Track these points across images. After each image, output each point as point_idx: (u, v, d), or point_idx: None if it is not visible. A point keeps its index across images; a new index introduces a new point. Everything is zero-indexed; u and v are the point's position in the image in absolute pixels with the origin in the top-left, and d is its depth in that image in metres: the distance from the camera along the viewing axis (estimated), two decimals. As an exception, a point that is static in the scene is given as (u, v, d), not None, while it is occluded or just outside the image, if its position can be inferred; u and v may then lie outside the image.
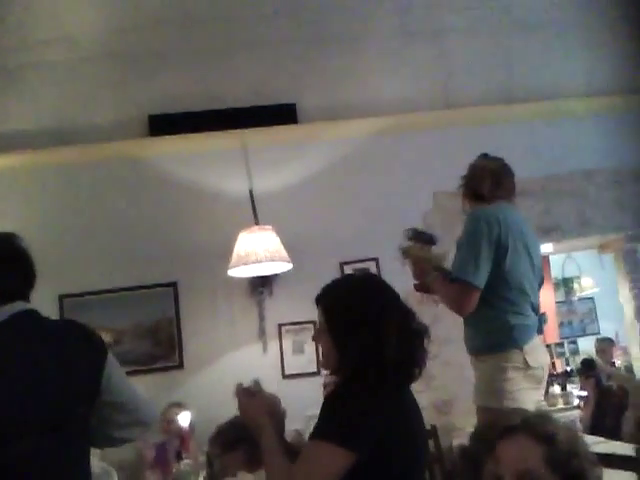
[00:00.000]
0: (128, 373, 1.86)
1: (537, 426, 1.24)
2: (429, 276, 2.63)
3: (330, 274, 4.26)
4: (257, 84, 4.65)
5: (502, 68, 4.83)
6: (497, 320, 2.48)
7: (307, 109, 4.65)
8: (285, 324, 4.32)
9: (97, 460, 2.53)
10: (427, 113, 4.68)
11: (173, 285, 4.33)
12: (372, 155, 4.60)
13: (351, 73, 4.75)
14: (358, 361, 1.57)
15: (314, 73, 4.72)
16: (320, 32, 4.74)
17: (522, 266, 2.53)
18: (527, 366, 2.43)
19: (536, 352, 2.49)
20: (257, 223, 4.25)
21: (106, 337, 4.12)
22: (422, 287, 2.71)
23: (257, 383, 1.76)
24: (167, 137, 4.49)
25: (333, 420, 1.53)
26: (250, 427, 1.69)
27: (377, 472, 1.51)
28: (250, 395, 1.72)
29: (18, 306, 1.63)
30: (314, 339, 1.75)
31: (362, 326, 1.59)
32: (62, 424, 1.56)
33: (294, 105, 4.64)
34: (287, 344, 4.30)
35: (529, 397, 2.43)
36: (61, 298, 4.17)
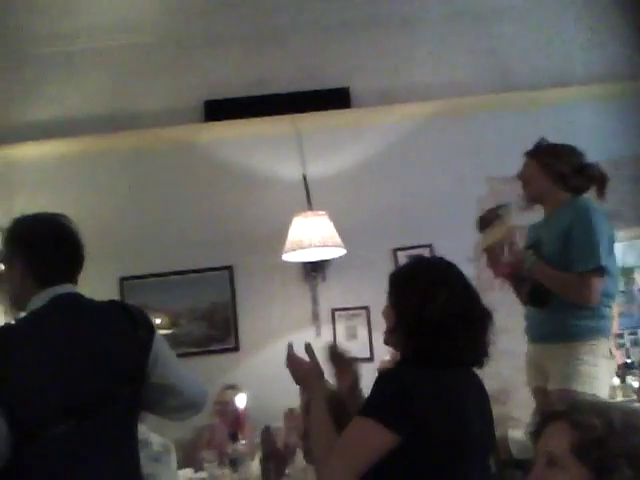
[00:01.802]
0: (184, 355, 1.88)
1: (577, 413, 1.23)
2: (527, 258, 2.54)
3: (383, 261, 4.33)
4: (311, 68, 4.64)
5: (557, 51, 4.68)
6: (592, 308, 2.49)
7: (360, 93, 4.62)
8: (338, 309, 4.34)
9: (157, 437, 2.60)
10: (481, 97, 4.57)
11: (229, 269, 4.40)
12: (425, 139, 4.54)
13: (404, 56, 4.67)
14: (416, 340, 1.59)
15: (367, 56, 4.67)
16: (373, 15, 4.68)
17: (614, 258, 2.56)
18: (611, 356, 2.50)
19: (612, 343, 2.54)
20: (311, 208, 4.26)
21: (164, 319, 4.23)
22: (511, 269, 2.57)
23: (309, 346, 1.79)
24: (222, 122, 4.53)
25: (379, 397, 1.54)
26: (301, 388, 1.75)
27: (419, 455, 1.51)
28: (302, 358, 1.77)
29: (60, 289, 1.62)
30: (383, 316, 1.75)
31: (426, 304, 1.59)
32: (104, 405, 1.57)
33: (347, 89, 4.61)
34: (340, 329, 4.32)
35: (607, 386, 2.51)
36: (121, 280, 4.29)
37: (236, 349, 4.33)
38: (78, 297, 1.67)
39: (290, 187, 4.43)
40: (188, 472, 3.12)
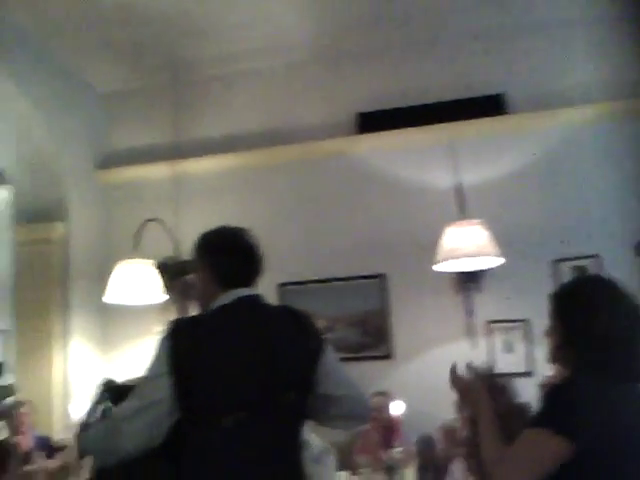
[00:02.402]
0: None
1: None
2: None
3: (542, 271, 4.16)
4: (464, 76, 4.59)
5: None
6: None
7: (516, 99, 4.49)
8: (494, 321, 4.23)
9: (317, 439, 2.68)
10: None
11: (382, 277, 4.45)
12: (584, 145, 4.33)
13: (559, 60, 4.49)
14: (585, 355, 1.57)
15: (522, 61, 4.54)
16: (527, 19, 4.53)
17: None
18: None
19: None
20: (465, 217, 4.18)
21: (320, 324, 4.35)
22: None
23: (472, 367, 1.82)
24: (374, 134, 4.62)
25: (553, 408, 1.52)
26: (468, 404, 1.75)
27: (588, 468, 1.47)
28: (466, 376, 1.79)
29: (244, 291, 1.76)
30: (546, 334, 1.74)
31: (594, 320, 1.57)
32: (270, 406, 1.63)
33: (503, 95, 4.50)
34: (496, 342, 4.21)
35: None
36: (280, 286, 4.50)
37: (389, 357, 4.37)
38: (259, 299, 1.79)
39: (443, 196, 4.39)
40: (344, 475, 3.18)
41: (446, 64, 4.63)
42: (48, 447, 3.83)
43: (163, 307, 4.55)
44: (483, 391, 1.74)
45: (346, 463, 3.43)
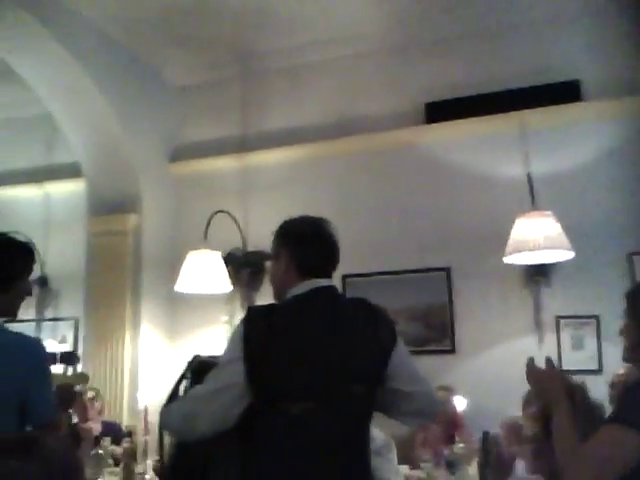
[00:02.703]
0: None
1: None
2: None
3: (615, 266, 3.99)
4: (536, 63, 4.44)
5: None
6: None
7: (592, 85, 4.30)
8: (564, 317, 4.08)
9: (379, 432, 2.67)
10: None
11: (446, 270, 4.38)
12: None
13: (636, 46, 4.25)
14: None
15: (598, 47, 4.33)
16: (602, 3, 4.32)
17: None
18: None
19: None
20: (536, 208, 4.05)
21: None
22: None
23: (550, 360, 1.77)
24: (443, 123, 4.54)
25: (630, 405, 1.50)
26: (545, 400, 1.73)
27: None
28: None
29: (321, 282, 1.76)
30: (620, 333, 1.71)
31: None
32: (340, 397, 1.64)
33: (578, 82, 4.32)
34: (565, 338, 4.06)
35: None
36: (344, 278, 4.50)
37: (452, 351, 4.30)
38: (334, 290, 1.81)
39: (513, 187, 4.27)
40: (404, 469, 3.16)
41: (517, 51, 4.48)
42: (117, 432, 3.99)
43: (229, 297, 4.66)
44: (562, 386, 1.70)
45: (407, 457, 3.42)
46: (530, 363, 1.78)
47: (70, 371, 2.44)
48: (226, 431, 1.63)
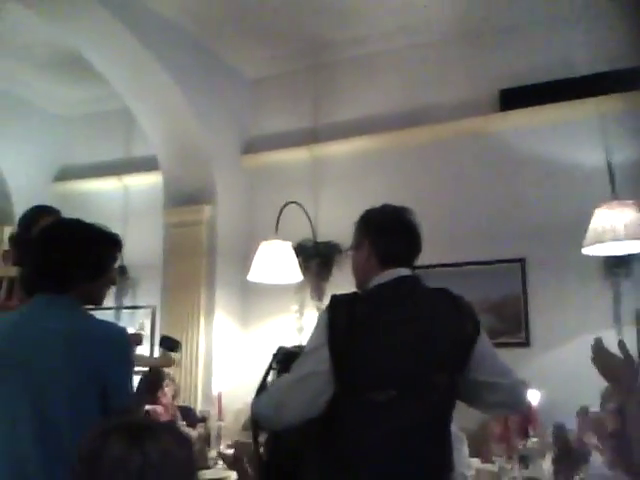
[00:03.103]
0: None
1: None
2: None
3: (703, 257, 3.76)
4: (614, 47, 4.24)
5: None
6: None
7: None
8: (645, 310, 3.91)
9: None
10: None
11: (521, 262, 4.27)
12: None
13: None
14: None
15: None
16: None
17: None
18: None
19: None
20: (616, 197, 3.90)
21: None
22: None
23: (622, 343, 1.67)
24: (518, 111, 4.42)
25: None
26: (615, 386, 1.68)
27: None
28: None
29: (402, 271, 1.77)
30: None
31: None
32: (423, 386, 1.65)
33: (661, 65, 4.11)
34: (646, 332, 3.89)
35: None
36: (414, 269, 4.46)
37: (527, 344, 4.19)
38: (417, 280, 1.82)
39: (591, 175, 4.12)
40: (475, 462, 3.12)
41: (594, 35, 4.30)
42: (191, 417, 4.11)
43: (299, 287, 4.71)
44: (634, 373, 1.62)
45: (478, 450, 3.37)
46: (598, 344, 1.69)
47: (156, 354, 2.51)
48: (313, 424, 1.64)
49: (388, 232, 1.82)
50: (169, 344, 2.34)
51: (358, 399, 1.62)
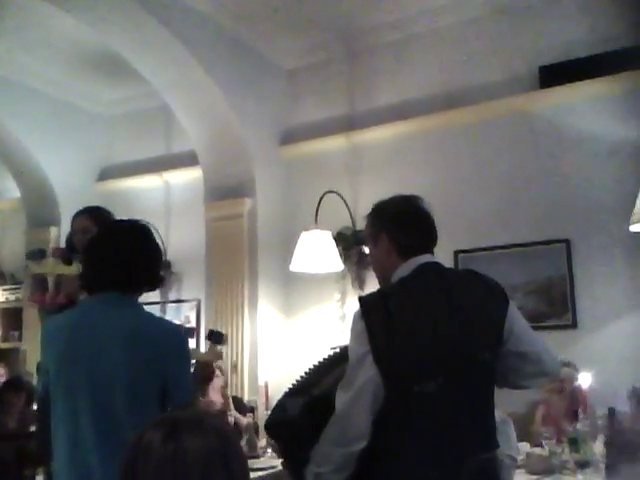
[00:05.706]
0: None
1: None
2: None
3: None
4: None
5: None
6: None
7: None
8: (697, 288, 3.80)
9: (497, 409, 2.63)
10: None
11: (566, 242, 4.19)
12: None
13: None
14: None
15: None
16: None
17: None
18: None
19: None
20: (664, 174, 3.79)
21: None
22: None
23: None
24: (558, 87, 4.31)
25: None
26: None
27: None
28: None
29: (423, 258, 1.76)
30: None
31: None
32: (469, 369, 1.65)
33: None
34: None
35: None
36: (456, 254, 4.42)
37: (574, 326, 4.11)
38: (440, 265, 1.80)
39: (635, 151, 4.00)
40: (524, 446, 3.09)
41: (632, 6, 4.16)
42: (242, 407, 4.18)
43: (340, 275, 4.72)
44: None
45: (526, 434, 3.34)
46: None
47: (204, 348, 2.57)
48: None
49: (405, 222, 1.81)
50: (217, 337, 2.39)
51: (409, 394, 1.61)
